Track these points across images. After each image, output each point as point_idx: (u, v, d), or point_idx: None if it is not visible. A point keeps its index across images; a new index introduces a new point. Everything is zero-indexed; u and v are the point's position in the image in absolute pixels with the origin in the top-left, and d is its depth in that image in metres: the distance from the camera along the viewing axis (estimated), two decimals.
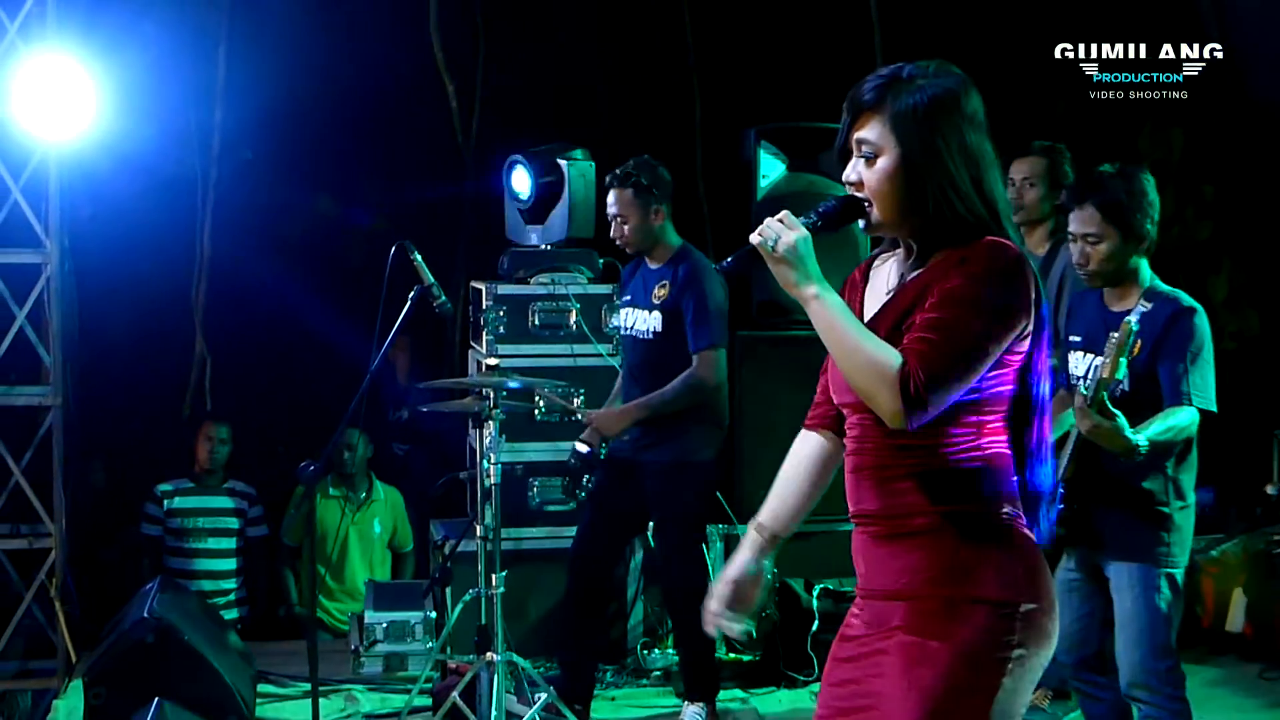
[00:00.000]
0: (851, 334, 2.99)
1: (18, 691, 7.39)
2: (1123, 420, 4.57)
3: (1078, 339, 5.09)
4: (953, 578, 3.02)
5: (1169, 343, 4.79)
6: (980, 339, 2.97)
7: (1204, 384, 4.80)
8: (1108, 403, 4.59)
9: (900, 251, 3.21)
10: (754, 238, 3.06)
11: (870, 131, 3.09)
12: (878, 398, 2.96)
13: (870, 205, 3.11)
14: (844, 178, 3.16)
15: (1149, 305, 4.70)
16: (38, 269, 7.01)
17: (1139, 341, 4.63)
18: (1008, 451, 3.10)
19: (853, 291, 3.31)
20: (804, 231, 3.04)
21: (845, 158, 3.17)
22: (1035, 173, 6.46)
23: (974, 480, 3.05)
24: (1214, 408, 4.82)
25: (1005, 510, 3.07)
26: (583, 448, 6.28)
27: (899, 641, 3.06)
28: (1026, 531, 3.09)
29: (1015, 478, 3.10)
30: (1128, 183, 4.88)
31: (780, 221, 3.05)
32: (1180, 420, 4.74)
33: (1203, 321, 4.85)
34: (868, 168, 3.10)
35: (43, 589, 7.02)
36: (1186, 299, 4.89)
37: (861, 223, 3.14)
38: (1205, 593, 7.59)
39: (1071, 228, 4.97)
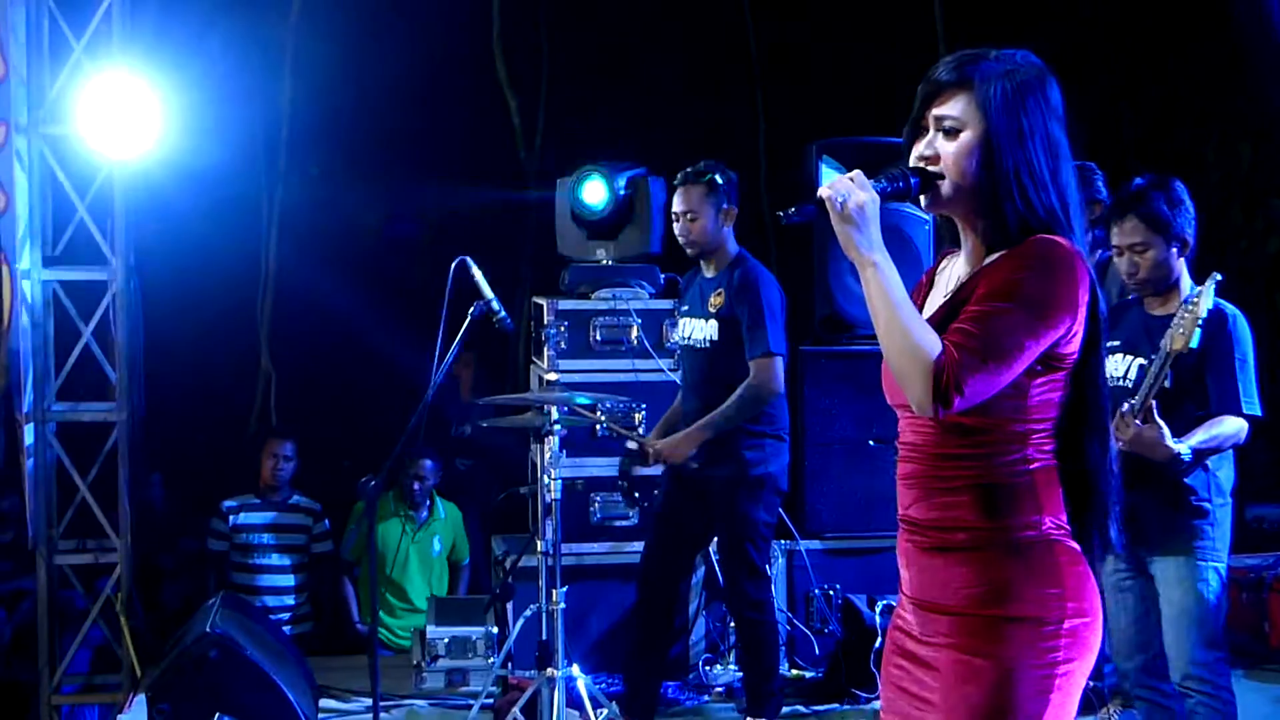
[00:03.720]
0: (900, 310, 2.92)
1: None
2: (1166, 430, 4.75)
3: (1117, 342, 5.15)
4: (997, 595, 2.99)
5: (1216, 350, 4.95)
6: (1018, 333, 2.92)
7: (1250, 389, 4.99)
8: (1155, 412, 4.75)
9: (962, 252, 3.19)
10: (823, 191, 2.98)
11: (953, 108, 3.05)
12: (909, 381, 2.90)
13: (943, 179, 3.06)
14: (917, 153, 3.10)
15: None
16: (103, 286, 7.06)
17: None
18: (1054, 463, 3.06)
19: (918, 294, 3.28)
20: (874, 195, 2.98)
21: (913, 139, 3.13)
22: None
23: (1021, 496, 3.01)
24: (1260, 413, 4.99)
25: (1050, 525, 3.03)
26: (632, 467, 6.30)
27: (948, 658, 3.04)
28: (1072, 545, 3.05)
29: (1061, 490, 3.06)
30: (1166, 191, 5.03)
31: (851, 180, 2.99)
32: (1227, 429, 4.93)
33: (1244, 325, 5.04)
34: (947, 141, 3.06)
35: (108, 603, 7.06)
36: (1227, 305, 5.02)
37: (926, 198, 3.09)
38: (1273, 611, 7.50)
39: (1116, 240, 5.09)
